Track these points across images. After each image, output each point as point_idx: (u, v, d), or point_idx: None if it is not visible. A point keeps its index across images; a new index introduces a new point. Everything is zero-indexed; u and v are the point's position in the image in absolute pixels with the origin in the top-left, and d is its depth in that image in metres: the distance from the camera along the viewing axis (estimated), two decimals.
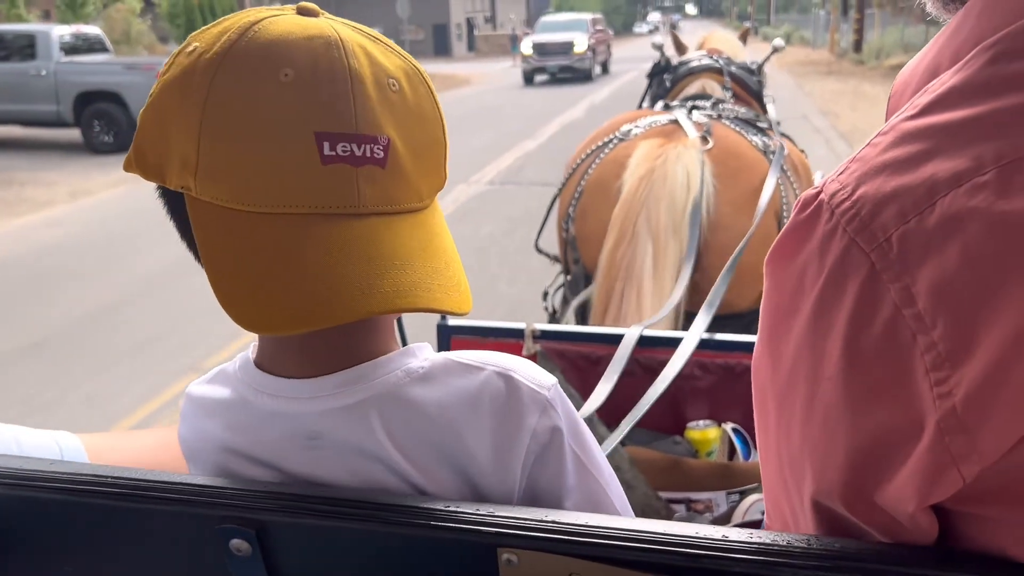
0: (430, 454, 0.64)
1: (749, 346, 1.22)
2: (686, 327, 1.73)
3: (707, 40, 3.51)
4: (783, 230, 0.52)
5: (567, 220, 2.34)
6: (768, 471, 0.58)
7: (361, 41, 0.64)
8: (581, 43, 22.40)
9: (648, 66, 3.35)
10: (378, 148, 0.62)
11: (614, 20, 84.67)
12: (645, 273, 2.04)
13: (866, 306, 0.45)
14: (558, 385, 0.68)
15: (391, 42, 0.68)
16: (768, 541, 0.52)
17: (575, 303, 2.27)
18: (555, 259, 2.59)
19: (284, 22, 0.63)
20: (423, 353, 0.68)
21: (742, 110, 2.67)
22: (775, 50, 3.39)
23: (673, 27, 4.56)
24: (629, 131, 2.37)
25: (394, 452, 0.64)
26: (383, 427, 0.64)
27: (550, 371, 0.77)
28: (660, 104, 2.88)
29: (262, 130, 0.60)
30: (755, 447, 1.37)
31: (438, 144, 0.68)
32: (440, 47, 47.41)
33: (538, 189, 8.35)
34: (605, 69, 25.04)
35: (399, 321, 1.02)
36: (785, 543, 0.52)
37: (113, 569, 0.70)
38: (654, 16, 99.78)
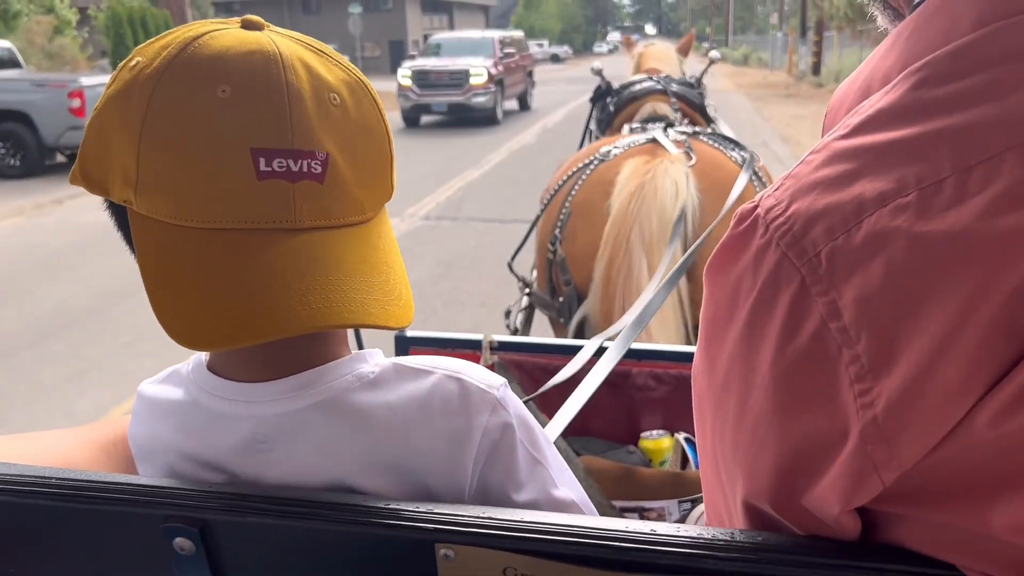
0: (379, 457, 0.66)
1: None
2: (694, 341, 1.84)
3: (643, 58, 3.57)
4: (721, 241, 0.54)
5: (554, 242, 2.34)
6: (706, 473, 0.61)
7: (302, 55, 0.65)
8: (480, 72, 15.52)
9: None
10: (315, 163, 0.62)
11: (574, 39, 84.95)
12: (643, 285, 2.04)
13: (795, 318, 0.48)
14: (507, 385, 0.69)
15: (337, 55, 0.68)
16: (694, 535, 0.55)
17: (574, 322, 2.27)
18: (522, 282, 2.60)
19: (225, 37, 0.64)
20: (374, 359, 0.69)
21: (708, 129, 2.74)
22: (711, 62, 3.47)
23: (631, 47, 4.64)
24: (609, 152, 2.39)
25: (342, 456, 0.65)
26: (332, 431, 0.65)
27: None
28: (627, 127, 2.88)
29: (199, 146, 0.60)
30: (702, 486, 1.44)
31: (383, 157, 0.69)
32: (397, 64, 46.62)
33: (479, 225, 7.53)
34: (524, 105, 18.77)
35: (356, 330, 1.09)
36: (710, 536, 0.55)
37: (57, 569, 0.70)
38: (614, 36, 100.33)
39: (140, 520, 0.64)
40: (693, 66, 3.90)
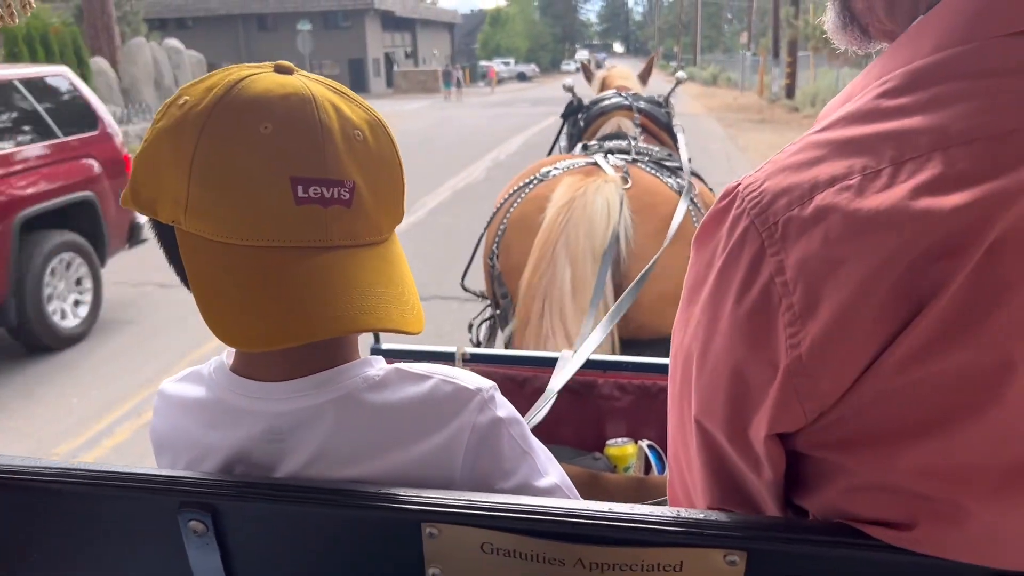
0: (379, 449, 0.76)
1: (664, 367, 1.53)
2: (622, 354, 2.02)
3: (608, 79, 3.71)
4: (707, 214, 0.66)
5: (492, 256, 2.44)
6: (671, 427, 0.72)
7: (330, 97, 0.76)
8: None
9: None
10: (344, 191, 0.72)
11: (541, 58, 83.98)
12: (565, 296, 2.10)
13: (751, 273, 0.59)
14: (496, 387, 0.80)
15: (357, 96, 0.79)
16: (645, 512, 0.65)
17: (505, 334, 2.32)
18: (481, 296, 2.68)
19: (264, 80, 0.74)
20: (378, 364, 0.80)
21: (655, 149, 2.84)
22: (678, 82, 3.57)
23: (599, 65, 4.61)
24: (548, 172, 2.49)
25: (347, 447, 0.75)
26: (340, 426, 0.76)
27: None
28: (579, 146, 3.00)
29: (244, 175, 0.70)
30: (667, 474, 1.45)
31: (397, 185, 0.79)
32: (357, 83, 44.95)
33: None
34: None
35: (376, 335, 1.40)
36: (659, 513, 0.64)
37: (81, 553, 0.78)
38: (582, 54, 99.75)
39: (158, 506, 0.72)
40: (661, 86, 3.98)
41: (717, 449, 0.64)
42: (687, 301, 0.67)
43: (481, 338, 2.60)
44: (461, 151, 14.80)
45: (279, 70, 0.77)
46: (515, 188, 2.52)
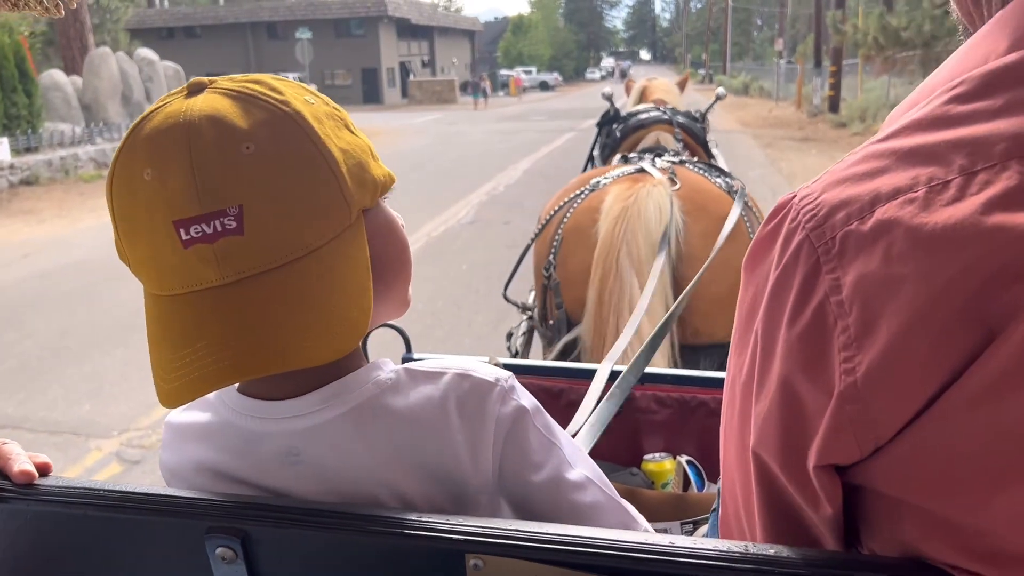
0: (405, 456, 0.73)
1: (703, 380, 1.52)
2: (683, 359, 2.06)
3: (648, 90, 3.72)
4: (758, 232, 0.63)
5: (548, 267, 2.46)
6: (727, 460, 0.68)
7: (219, 109, 0.69)
8: None
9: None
10: (228, 220, 0.67)
11: (565, 66, 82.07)
12: (635, 304, 2.10)
13: (805, 292, 0.56)
14: (514, 377, 0.78)
15: (262, 91, 0.72)
16: (709, 547, 0.62)
17: (560, 344, 2.34)
18: (522, 307, 2.71)
19: (160, 114, 0.71)
20: (388, 366, 0.77)
21: (696, 159, 2.89)
22: (718, 98, 3.57)
23: (623, 74, 4.99)
24: (598, 182, 2.54)
25: (370, 458, 0.73)
26: (361, 436, 0.73)
27: None
28: (618, 157, 3.05)
29: (140, 227, 0.69)
30: (708, 479, 1.45)
31: (319, 180, 0.70)
32: (370, 94, 43.15)
33: None
34: None
35: (364, 343, 1.25)
36: (725, 548, 0.61)
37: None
38: (607, 62, 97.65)
39: (184, 530, 0.69)
40: (691, 95, 4.12)
41: (774, 483, 0.61)
42: (742, 326, 0.64)
43: (519, 347, 2.62)
44: (454, 179, 13.07)
45: (190, 92, 0.73)
46: (566, 200, 2.56)
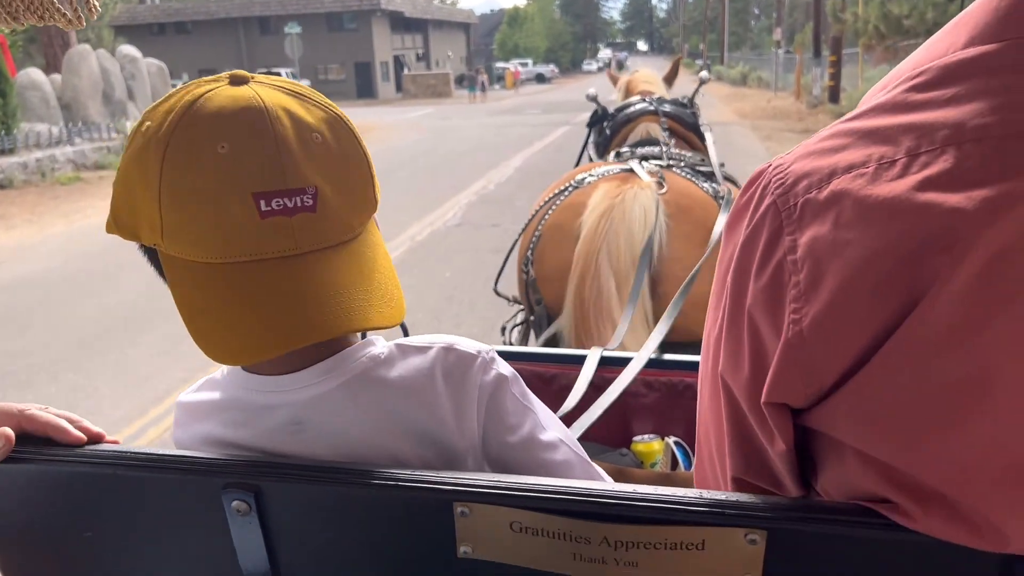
0: (398, 421, 0.81)
1: (690, 365, 1.60)
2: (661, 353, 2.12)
3: (632, 83, 3.73)
4: (737, 198, 0.70)
5: (526, 263, 2.50)
6: (703, 404, 0.77)
7: (284, 102, 0.78)
8: None
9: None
10: (307, 197, 0.75)
11: (561, 58, 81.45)
12: (613, 306, 2.18)
13: (768, 250, 0.63)
14: (494, 349, 0.87)
15: (315, 94, 0.82)
16: (668, 493, 0.69)
17: (541, 340, 2.39)
18: (513, 301, 2.76)
19: (218, 97, 0.77)
20: (379, 343, 0.86)
21: (688, 154, 2.93)
22: (702, 82, 3.61)
23: (620, 65, 4.86)
24: (584, 179, 2.57)
25: (367, 424, 0.81)
26: (357, 404, 0.81)
27: None
28: (612, 155, 3.10)
29: (209, 197, 0.74)
30: (695, 459, 1.41)
31: (365, 179, 0.82)
32: (364, 88, 42.65)
33: None
34: None
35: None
36: (682, 493, 0.69)
37: (130, 531, 0.84)
38: (605, 53, 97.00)
39: (204, 487, 0.77)
40: (688, 86, 3.95)
41: (741, 419, 0.68)
42: (720, 283, 0.70)
43: (513, 341, 2.65)
44: (443, 178, 12.65)
45: (234, 81, 0.80)
46: (550, 196, 2.58)
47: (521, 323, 2.68)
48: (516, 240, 2.64)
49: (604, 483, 0.74)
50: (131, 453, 0.79)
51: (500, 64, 63.77)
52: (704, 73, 3.73)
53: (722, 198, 2.45)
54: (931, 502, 0.58)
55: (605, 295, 2.18)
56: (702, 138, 3.20)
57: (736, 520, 0.66)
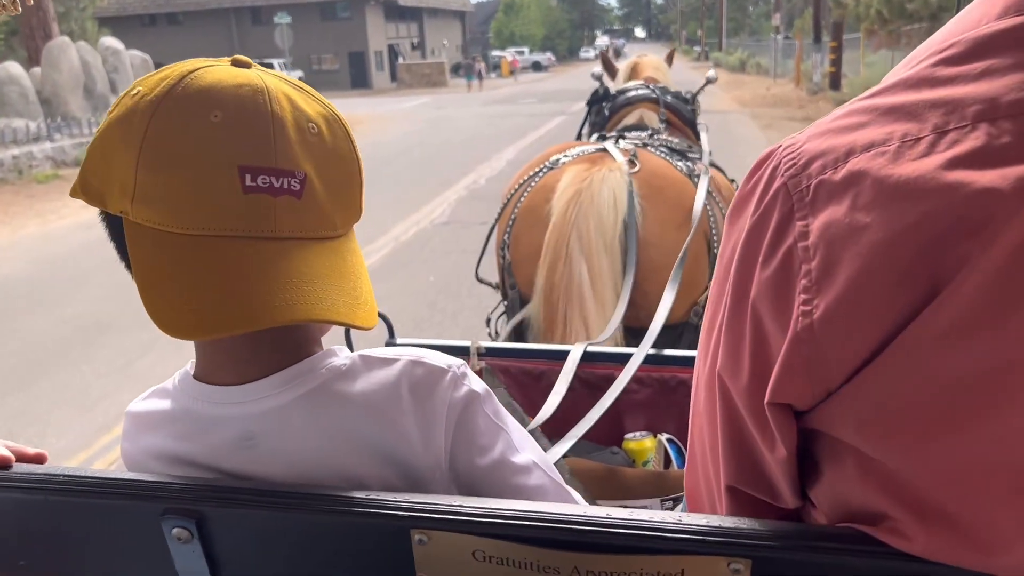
0: (358, 439, 0.76)
1: (683, 360, 1.55)
2: (627, 342, 2.02)
3: (638, 67, 3.69)
4: (742, 185, 0.65)
5: (503, 247, 2.47)
6: (696, 406, 0.71)
7: (286, 89, 0.76)
8: None
9: None
10: (295, 181, 0.72)
11: (558, 45, 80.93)
12: (585, 293, 2.13)
13: (777, 236, 0.58)
14: (466, 364, 0.81)
15: (314, 91, 0.79)
16: (644, 519, 0.64)
17: (511, 325, 2.35)
18: (496, 287, 2.72)
19: (218, 71, 0.74)
20: (342, 353, 0.80)
21: (675, 140, 2.86)
22: (708, 82, 3.57)
23: (617, 52, 4.64)
24: (558, 160, 2.53)
25: (325, 441, 0.76)
26: (314, 420, 0.76)
27: (494, 386, 1.02)
28: (594, 136, 3.07)
29: (192, 161, 0.70)
30: (686, 463, 1.46)
31: (353, 182, 0.79)
32: (358, 79, 42.20)
33: None
34: None
35: (347, 333, 1.36)
36: (660, 519, 0.64)
37: (66, 560, 0.79)
38: (602, 40, 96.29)
39: (141, 513, 0.72)
40: (686, 73, 4.45)
41: (736, 420, 0.63)
42: (722, 275, 0.65)
43: (499, 330, 2.60)
44: (433, 173, 12.20)
45: (236, 63, 0.78)
46: (525, 177, 2.54)
47: (504, 313, 2.66)
48: (494, 224, 2.60)
49: (574, 507, 0.68)
50: (62, 476, 0.74)
51: (496, 52, 63.32)
52: (712, 72, 3.69)
53: (698, 176, 2.40)
54: (933, 518, 0.54)
55: (576, 282, 2.14)
56: (698, 136, 3.15)
57: (718, 548, 0.62)
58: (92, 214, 0.80)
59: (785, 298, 0.55)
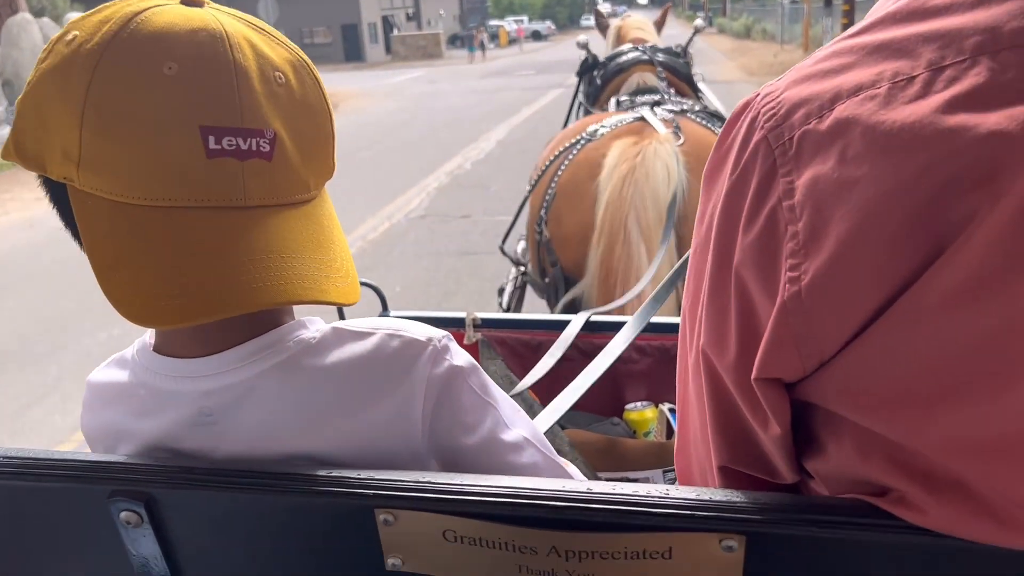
0: (327, 416, 0.70)
1: None
2: None
3: (624, 29, 3.62)
4: (717, 141, 0.60)
5: (540, 223, 2.37)
6: (682, 382, 0.67)
7: (247, 33, 0.67)
8: None
9: None
10: (264, 142, 0.65)
11: (558, 14, 79.42)
12: (643, 271, 2.08)
13: (760, 196, 0.53)
14: (450, 337, 0.75)
15: (277, 33, 0.71)
16: (628, 492, 0.60)
17: (561, 304, 2.29)
18: (517, 261, 2.66)
19: (168, 13, 0.66)
20: (314, 325, 0.74)
21: (691, 102, 2.80)
22: (696, 31, 3.55)
23: (603, 27, 4.12)
24: (596, 131, 2.43)
25: (290, 418, 0.70)
26: (279, 395, 0.70)
27: (491, 358, 0.92)
28: (613, 102, 2.98)
29: (147, 123, 0.62)
30: (675, 446, 1.42)
31: (326, 136, 0.72)
32: (352, 51, 41.15)
33: None
34: None
35: (340, 310, 1.27)
36: (644, 493, 0.60)
37: (11, 546, 0.74)
38: (604, 7, 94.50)
39: (87, 495, 0.68)
40: (684, 36, 3.75)
41: (725, 397, 0.59)
42: (701, 245, 0.61)
43: (511, 303, 2.56)
44: (414, 157, 11.33)
45: (186, 2, 0.69)
46: (561, 149, 2.43)
47: (519, 286, 2.57)
48: (525, 199, 2.52)
49: (551, 481, 0.63)
50: (2, 458, 0.69)
51: (494, 22, 62.05)
52: (699, 21, 3.66)
53: None
54: (946, 488, 0.50)
55: (635, 264, 2.09)
56: (695, 89, 3.11)
57: (709, 524, 0.58)
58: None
59: (771, 263, 0.51)
